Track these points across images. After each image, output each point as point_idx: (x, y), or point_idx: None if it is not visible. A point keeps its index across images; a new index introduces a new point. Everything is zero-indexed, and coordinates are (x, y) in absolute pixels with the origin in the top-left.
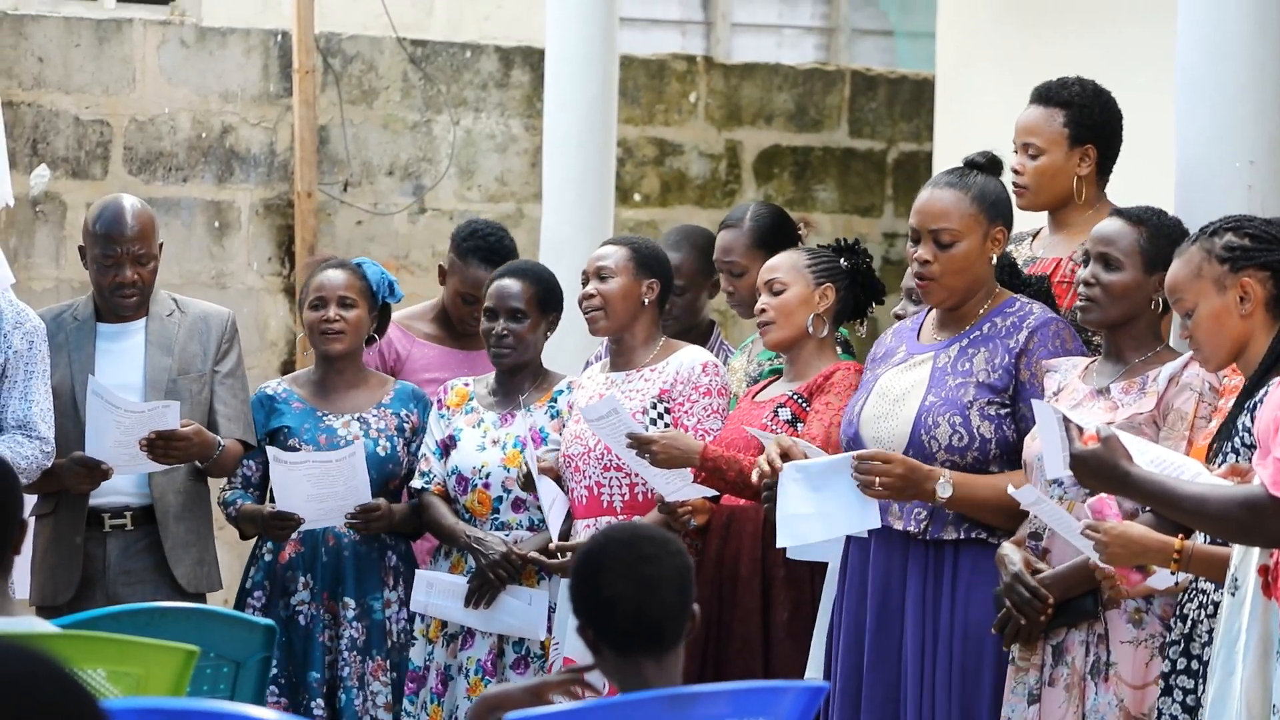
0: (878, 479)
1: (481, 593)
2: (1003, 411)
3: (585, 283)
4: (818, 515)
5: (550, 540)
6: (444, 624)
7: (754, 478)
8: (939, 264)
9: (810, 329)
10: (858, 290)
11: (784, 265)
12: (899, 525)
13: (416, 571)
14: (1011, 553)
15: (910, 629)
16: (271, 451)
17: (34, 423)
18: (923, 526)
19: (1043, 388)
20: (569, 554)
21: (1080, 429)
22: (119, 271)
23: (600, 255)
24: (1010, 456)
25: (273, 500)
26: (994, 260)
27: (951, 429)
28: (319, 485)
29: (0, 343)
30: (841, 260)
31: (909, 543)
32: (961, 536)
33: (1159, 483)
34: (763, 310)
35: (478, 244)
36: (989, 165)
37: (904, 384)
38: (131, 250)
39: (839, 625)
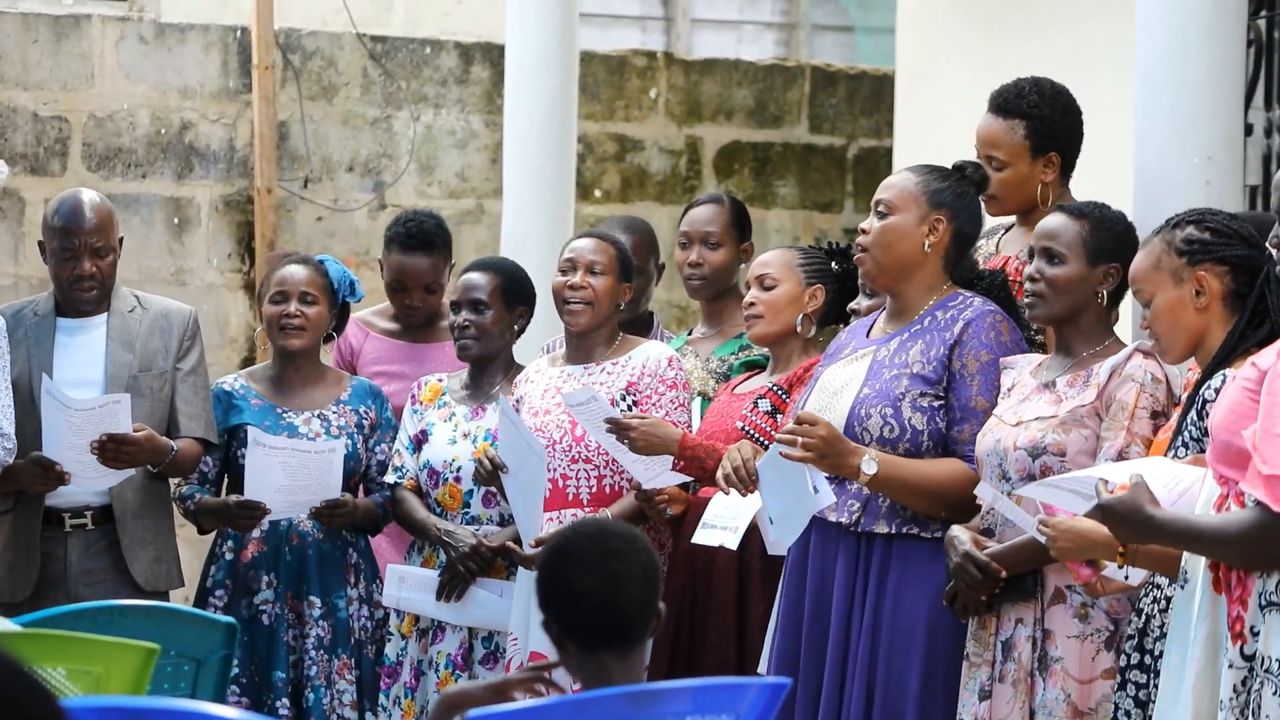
0: (800, 440)
1: (452, 586)
2: (935, 403)
3: (565, 272)
4: (781, 514)
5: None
6: (417, 619)
7: (719, 478)
8: (872, 234)
9: (798, 328)
10: (844, 294)
11: (776, 262)
12: (832, 516)
13: (388, 566)
14: (960, 533)
15: (835, 621)
16: (253, 433)
17: None
18: (854, 518)
19: (973, 379)
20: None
21: (1105, 481)
22: (78, 264)
23: (589, 249)
24: (942, 448)
25: (233, 491)
26: (927, 247)
27: (883, 420)
28: (292, 476)
29: None
30: (832, 264)
31: (841, 533)
32: (893, 531)
33: (1182, 523)
34: (751, 304)
35: (397, 230)
36: (972, 174)
37: (843, 377)
38: (90, 243)
39: (779, 616)
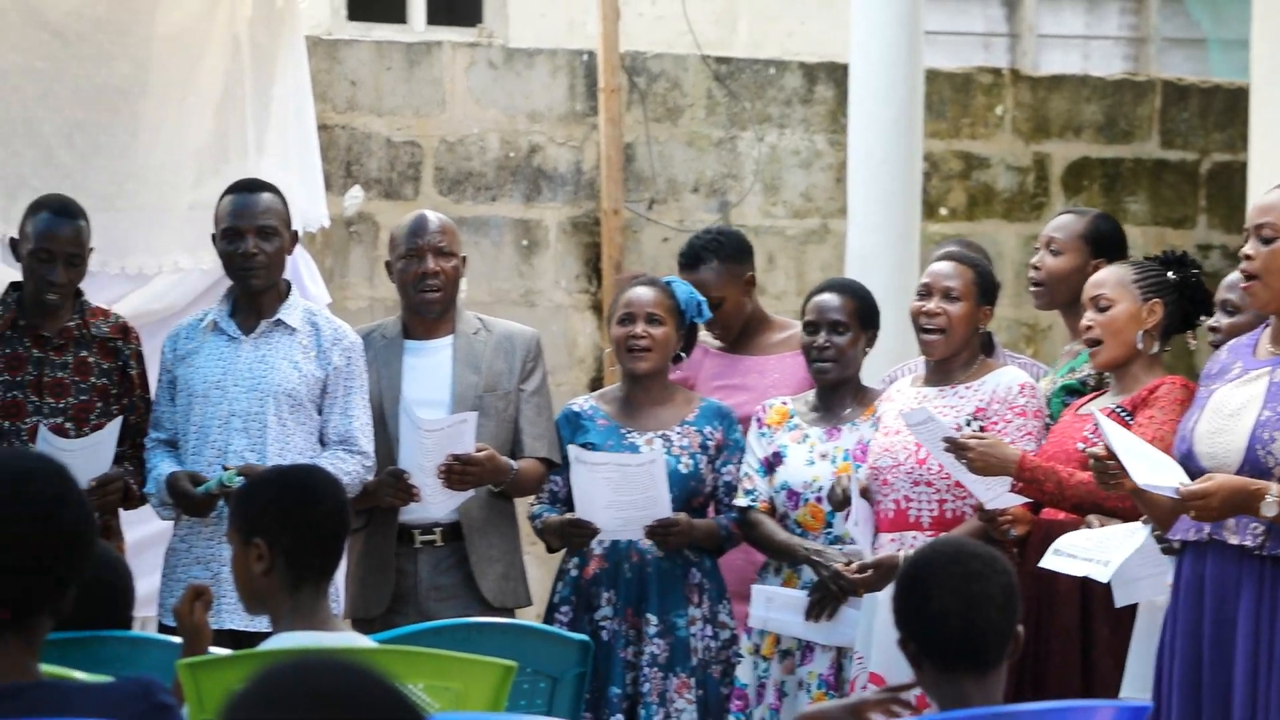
0: (1193, 512)
1: (822, 605)
2: None
3: (921, 296)
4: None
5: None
6: (778, 640)
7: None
8: (1259, 260)
9: (1139, 345)
10: (1185, 303)
11: (1110, 281)
12: (1234, 540)
13: (753, 587)
14: None
15: (1242, 647)
16: (573, 450)
17: (355, 438)
18: (1259, 541)
19: None
20: (871, 570)
21: None
22: (422, 263)
23: (946, 274)
24: None
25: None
26: None
27: None
28: (618, 491)
29: (320, 359)
30: (1169, 273)
31: (1243, 557)
32: None
33: None
34: (1089, 327)
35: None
36: None
37: (1239, 400)
38: (433, 242)
39: (1171, 641)
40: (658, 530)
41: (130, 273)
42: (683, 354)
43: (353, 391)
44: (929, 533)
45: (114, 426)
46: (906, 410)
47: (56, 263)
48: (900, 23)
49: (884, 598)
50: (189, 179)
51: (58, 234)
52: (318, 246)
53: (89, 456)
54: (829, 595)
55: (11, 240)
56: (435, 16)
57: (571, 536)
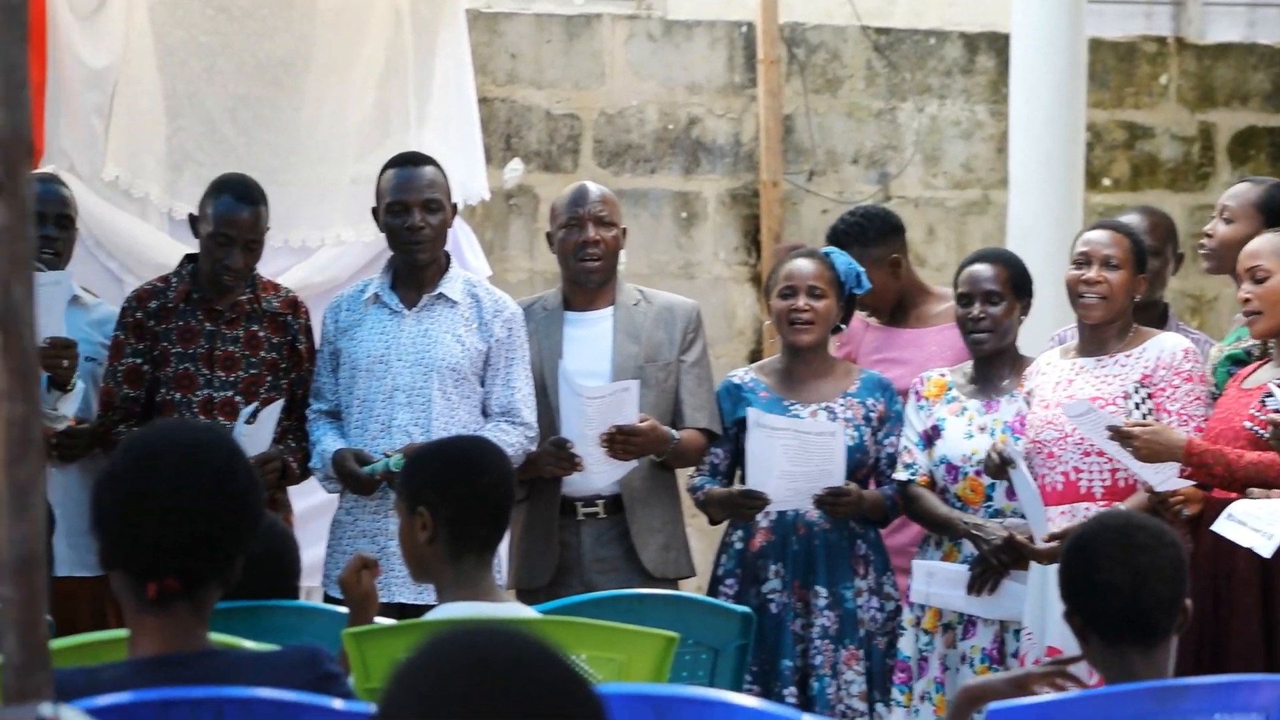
0: None
1: (984, 579)
2: None
3: (1079, 265)
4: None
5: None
6: (940, 613)
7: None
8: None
9: None
10: None
11: (1266, 250)
12: None
13: (914, 562)
14: None
15: None
16: (752, 414)
17: (517, 409)
18: None
19: None
20: (1057, 541)
21: None
22: (583, 232)
23: (1104, 242)
24: None
25: (742, 480)
26: None
27: None
28: (794, 460)
29: (482, 331)
30: None
31: None
32: None
33: None
34: (1247, 300)
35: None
36: None
37: None
38: (594, 211)
39: None
40: (827, 499)
41: (293, 246)
42: (842, 325)
43: (515, 363)
44: (1101, 503)
45: (276, 408)
46: (1067, 403)
47: (234, 246)
48: None
49: None
50: (351, 152)
51: (237, 219)
52: (477, 219)
53: (252, 436)
54: (990, 569)
55: (191, 217)
56: None
57: (741, 508)
